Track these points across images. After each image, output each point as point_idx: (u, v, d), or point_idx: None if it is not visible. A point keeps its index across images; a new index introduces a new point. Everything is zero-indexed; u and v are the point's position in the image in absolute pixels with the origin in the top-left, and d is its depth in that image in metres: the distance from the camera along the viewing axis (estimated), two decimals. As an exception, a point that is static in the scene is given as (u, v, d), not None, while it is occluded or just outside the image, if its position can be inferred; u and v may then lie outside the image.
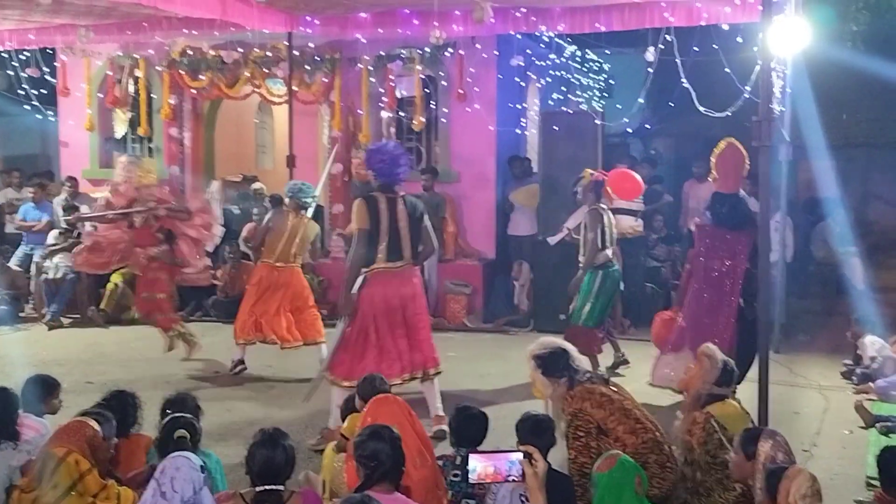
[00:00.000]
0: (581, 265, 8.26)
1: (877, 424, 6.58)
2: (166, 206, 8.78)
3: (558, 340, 4.93)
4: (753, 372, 5.44)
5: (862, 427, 6.72)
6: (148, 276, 8.84)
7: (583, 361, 4.80)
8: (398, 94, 11.95)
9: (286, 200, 8.63)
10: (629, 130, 13.92)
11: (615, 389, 4.74)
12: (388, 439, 3.74)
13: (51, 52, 12.52)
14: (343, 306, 6.51)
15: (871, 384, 7.60)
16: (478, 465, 3.65)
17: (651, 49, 9.48)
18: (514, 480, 3.74)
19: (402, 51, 11.55)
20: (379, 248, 6.40)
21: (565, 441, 4.63)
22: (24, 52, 12.04)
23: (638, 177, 9.24)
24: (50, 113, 13.14)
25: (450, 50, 11.31)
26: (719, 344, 6.34)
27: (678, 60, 9.23)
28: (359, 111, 11.90)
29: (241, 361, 8.44)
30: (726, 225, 7.17)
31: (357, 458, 3.73)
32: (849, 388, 7.92)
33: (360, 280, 6.48)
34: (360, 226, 6.40)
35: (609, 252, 8.26)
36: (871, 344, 8.11)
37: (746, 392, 5.24)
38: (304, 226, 8.50)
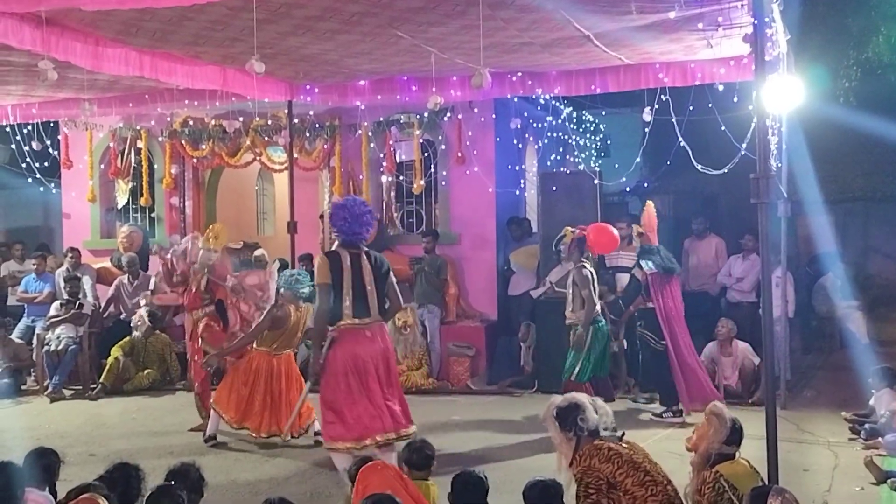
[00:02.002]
0: (568, 320, 8.60)
1: (888, 480, 6.51)
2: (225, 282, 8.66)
3: (580, 396, 4.91)
4: (761, 429, 5.39)
5: (873, 483, 6.64)
6: (195, 340, 8.71)
7: (592, 421, 4.76)
8: (398, 159, 12.09)
9: (281, 292, 8.05)
10: (627, 189, 14.03)
11: (626, 445, 4.71)
12: None
13: (53, 124, 12.67)
14: (314, 365, 6.45)
15: (880, 439, 7.52)
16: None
17: (647, 109, 9.60)
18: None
19: (401, 116, 11.71)
20: (344, 305, 6.32)
21: (576, 500, 4.58)
22: (28, 126, 12.19)
23: (615, 230, 9.29)
24: (52, 185, 13.25)
25: (448, 114, 11.47)
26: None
27: (674, 120, 9.33)
28: (359, 176, 12.01)
29: (214, 437, 8.28)
30: (669, 272, 8.91)
31: None
32: (858, 443, 7.83)
33: (329, 339, 6.40)
34: (322, 280, 6.39)
35: (597, 308, 8.49)
36: (881, 398, 8.04)
37: (755, 450, 5.19)
38: (304, 315, 8.14)
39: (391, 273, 6.61)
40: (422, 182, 11.71)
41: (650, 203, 9.45)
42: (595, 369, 8.47)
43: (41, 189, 13.16)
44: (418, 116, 11.59)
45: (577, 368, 8.40)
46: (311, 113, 11.87)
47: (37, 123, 12.13)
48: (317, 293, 6.54)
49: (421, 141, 11.78)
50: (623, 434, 4.81)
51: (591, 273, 8.56)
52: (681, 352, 8.82)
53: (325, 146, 12.09)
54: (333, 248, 6.61)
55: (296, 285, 7.95)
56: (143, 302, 11.27)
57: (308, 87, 10.61)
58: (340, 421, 6.29)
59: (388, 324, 6.87)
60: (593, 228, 9.07)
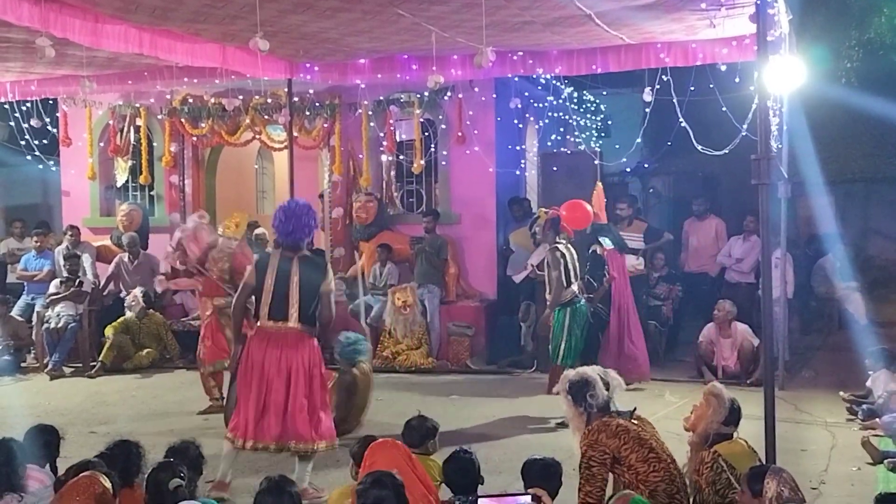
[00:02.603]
0: (548, 303, 8.45)
1: (885, 461, 6.54)
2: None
3: (591, 370, 4.93)
4: (759, 409, 5.41)
5: (870, 463, 6.68)
6: (211, 325, 8.64)
7: (601, 396, 4.79)
8: (398, 138, 12.05)
9: (338, 358, 7.56)
10: (628, 170, 14.01)
11: (636, 422, 4.75)
12: (392, 486, 3.72)
13: (52, 102, 12.62)
14: (231, 359, 6.44)
15: (877, 420, 7.55)
16: (486, 509, 3.63)
17: (648, 89, 9.58)
18: (522, 523, 3.71)
19: (402, 95, 11.67)
20: (262, 307, 6.15)
21: (578, 470, 4.62)
22: (26, 103, 12.14)
23: (587, 205, 9.26)
24: (51, 163, 13.22)
25: (448, 93, 11.43)
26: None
27: (675, 100, 9.31)
28: (359, 155, 11.99)
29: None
30: (622, 249, 9.70)
31: None
32: (855, 424, 7.87)
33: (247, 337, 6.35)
34: (245, 280, 6.31)
35: (574, 288, 8.39)
36: (877, 378, 8.06)
37: (753, 430, 5.21)
38: (370, 376, 7.68)
39: (327, 282, 6.22)
40: (422, 162, 11.68)
41: (599, 184, 9.77)
42: (580, 352, 8.34)
43: (40, 166, 13.12)
44: (419, 95, 11.56)
45: (560, 352, 8.34)
46: (311, 91, 11.82)
47: (36, 100, 12.07)
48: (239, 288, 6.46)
49: (421, 120, 11.75)
50: (635, 409, 4.85)
51: (567, 254, 8.43)
52: (628, 327, 8.96)
53: (325, 125, 12.05)
54: (271, 250, 6.47)
55: (353, 355, 7.53)
56: (158, 288, 11.18)
57: (308, 65, 10.57)
58: (236, 416, 6.16)
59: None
60: (566, 205, 9.06)
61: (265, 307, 6.12)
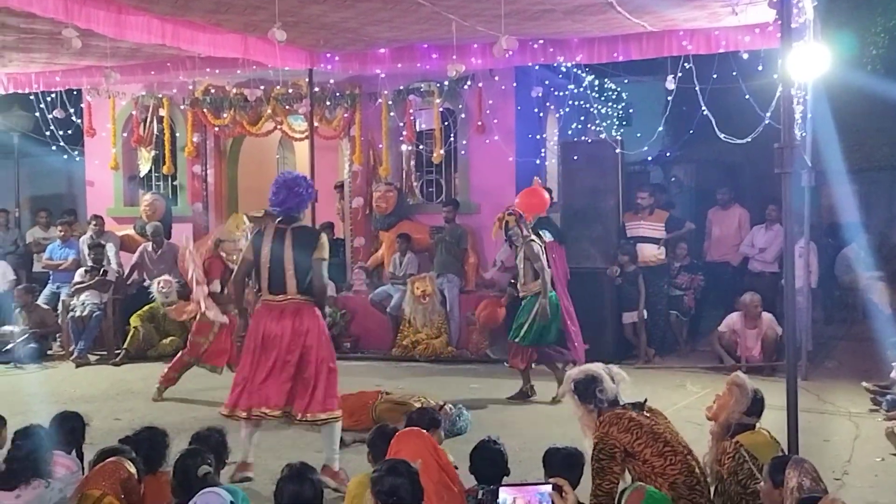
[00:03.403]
0: (521, 293, 8.69)
1: (909, 451, 6.51)
2: None
3: (595, 367, 4.92)
4: (782, 399, 5.39)
5: (894, 454, 6.64)
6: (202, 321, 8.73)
7: (610, 391, 4.78)
8: (417, 128, 12.05)
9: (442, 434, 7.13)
10: (649, 158, 13.96)
11: (648, 415, 4.73)
12: (406, 474, 3.73)
13: (76, 93, 12.72)
14: (236, 333, 6.46)
15: (901, 410, 7.51)
16: (508, 498, 3.64)
17: (670, 77, 9.52)
18: (544, 513, 3.71)
19: (421, 84, 11.67)
20: (262, 281, 6.17)
21: (591, 464, 4.62)
22: (51, 94, 12.24)
23: (544, 191, 9.50)
24: (76, 153, 13.33)
25: (468, 83, 11.41)
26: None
27: (697, 88, 9.25)
28: (379, 145, 12.01)
29: None
30: (561, 241, 9.81)
31: (375, 493, 3.71)
32: (879, 414, 7.82)
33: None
34: (244, 254, 6.36)
35: (547, 277, 8.59)
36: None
37: (775, 420, 5.19)
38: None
39: (319, 251, 6.13)
40: (441, 151, 11.69)
41: (537, 179, 9.85)
42: (538, 336, 8.58)
43: (65, 157, 13.25)
44: (438, 85, 11.55)
45: (522, 331, 8.57)
46: (332, 81, 11.85)
47: (60, 91, 12.16)
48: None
49: (441, 109, 11.74)
50: (645, 401, 4.83)
51: (541, 246, 8.70)
52: (564, 316, 9.06)
53: (346, 115, 12.08)
54: (264, 225, 6.42)
55: (452, 427, 7.22)
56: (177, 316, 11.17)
57: (329, 55, 10.59)
58: (234, 388, 6.22)
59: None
60: (522, 194, 9.36)
61: (264, 281, 6.14)
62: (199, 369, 8.90)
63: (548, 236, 9.36)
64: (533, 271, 8.53)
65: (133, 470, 4.15)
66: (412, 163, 12.20)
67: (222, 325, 8.61)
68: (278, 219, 6.28)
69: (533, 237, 8.65)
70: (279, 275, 6.08)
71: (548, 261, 8.91)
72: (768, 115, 8.54)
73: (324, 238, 6.28)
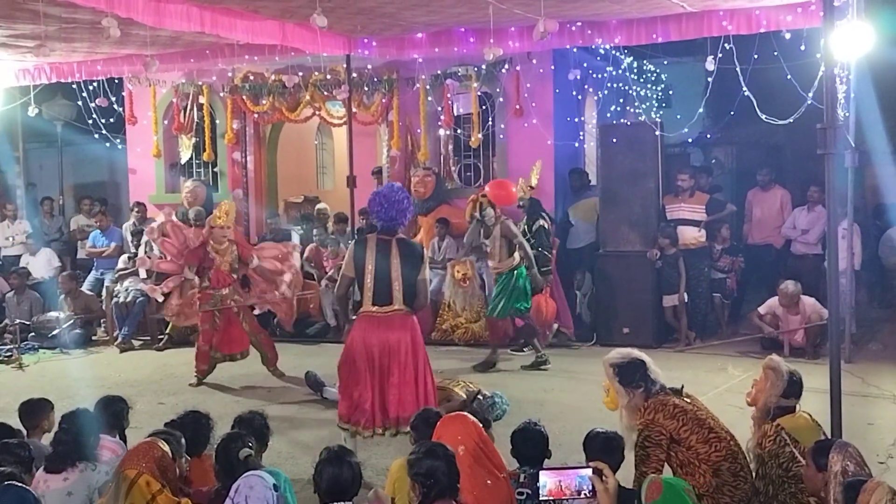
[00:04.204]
0: (496, 270, 9.43)
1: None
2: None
3: (635, 351, 4.89)
4: (826, 383, 5.33)
5: (940, 438, 6.55)
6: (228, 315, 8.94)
7: (658, 373, 4.75)
8: (455, 112, 12.05)
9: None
10: (689, 140, 13.80)
11: (689, 401, 4.70)
12: (443, 457, 3.76)
13: (118, 81, 12.87)
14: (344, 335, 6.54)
15: (948, 394, 7.39)
16: (548, 481, 3.65)
17: (711, 58, 9.40)
18: (584, 496, 3.72)
19: (459, 68, 11.65)
20: (365, 292, 6.14)
21: (634, 450, 4.60)
22: (93, 83, 12.40)
23: (510, 185, 10.00)
24: (118, 141, 13.51)
25: (506, 66, 11.37)
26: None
27: (738, 69, 9.12)
28: (417, 130, 12.02)
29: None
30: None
31: (413, 475, 3.76)
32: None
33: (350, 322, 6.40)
34: (344, 271, 6.34)
35: (518, 256, 9.25)
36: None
37: (819, 404, 5.14)
38: None
39: (424, 267, 6.27)
40: (479, 135, 11.67)
41: (525, 179, 10.18)
42: (506, 309, 9.36)
43: (107, 145, 13.43)
44: (476, 69, 11.52)
45: (498, 307, 9.35)
46: (369, 67, 11.86)
47: (102, 80, 12.31)
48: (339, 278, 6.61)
49: (479, 93, 11.72)
50: (682, 387, 4.80)
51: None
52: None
53: (384, 100, 12.10)
54: (365, 236, 6.45)
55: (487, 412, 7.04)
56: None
57: (366, 40, 10.60)
58: (344, 401, 6.21)
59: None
60: (492, 185, 10.07)
61: (368, 292, 6.14)
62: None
63: (548, 220, 10.19)
64: (508, 248, 9.17)
65: (167, 448, 4.22)
66: (450, 147, 12.18)
67: (223, 313, 8.85)
68: (378, 230, 6.32)
69: (507, 217, 9.43)
70: (385, 286, 6.12)
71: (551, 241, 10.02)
72: (811, 95, 8.41)
73: (426, 254, 6.48)
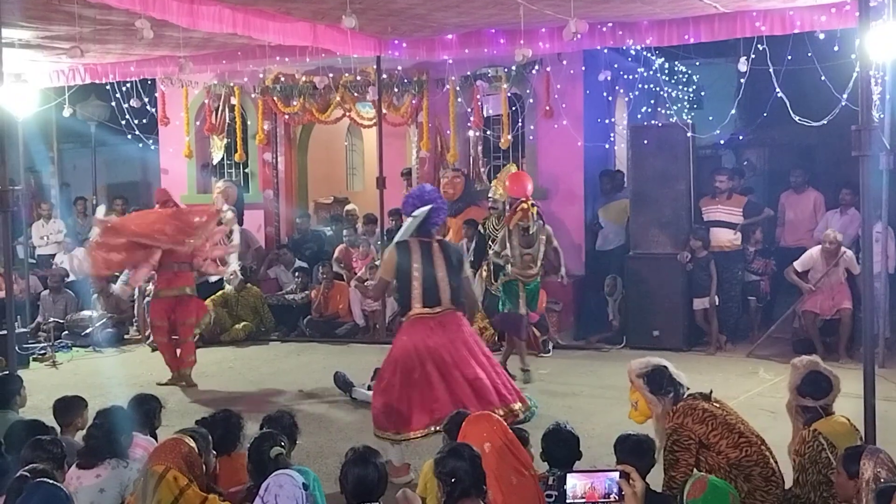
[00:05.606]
0: (533, 275, 9.06)
1: None
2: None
3: (654, 358, 4.86)
4: (859, 388, 5.26)
5: (976, 445, 6.43)
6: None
7: (681, 375, 4.73)
8: (485, 113, 12.03)
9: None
10: (721, 142, 13.70)
11: (718, 405, 4.66)
12: (468, 457, 3.77)
13: (151, 82, 13.01)
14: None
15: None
16: (576, 484, 3.63)
17: (743, 59, 9.31)
18: (612, 500, 3.70)
19: (489, 70, 11.64)
20: (413, 294, 6.16)
21: (662, 453, 4.57)
22: (126, 84, 12.53)
23: (530, 180, 9.66)
24: (150, 141, 13.64)
25: (536, 67, 11.35)
26: None
27: (771, 70, 9.04)
28: (446, 131, 12.03)
29: None
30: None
31: (437, 475, 3.79)
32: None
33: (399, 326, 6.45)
34: (382, 275, 6.39)
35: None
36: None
37: (852, 408, 5.08)
38: None
39: (465, 266, 6.43)
40: (509, 136, 11.65)
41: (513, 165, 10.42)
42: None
43: (140, 145, 13.59)
44: (506, 70, 11.51)
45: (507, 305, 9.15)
46: (399, 68, 11.89)
47: (135, 81, 12.44)
48: (375, 281, 6.76)
49: (509, 95, 11.70)
50: (711, 392, 4.76)
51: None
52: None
53: (413, 101, 12.12)
54: (404, 239, 6.40)
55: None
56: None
57: (396, 41, 10.62)
58: (384, 410, 6.08)
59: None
60: (510, 178, 9.90)
61: (417, 293, 6.19)
62: (270, 352, 9.09)
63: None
64: (536, 256, 8.96)
65: (193, 444, 4.25)
66: (479, 148, 12.17)
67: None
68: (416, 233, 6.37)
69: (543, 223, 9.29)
70: (433, 287, 6.19)
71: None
72: (845, 96, 8.32)
73: (465, 254, 6.67)
